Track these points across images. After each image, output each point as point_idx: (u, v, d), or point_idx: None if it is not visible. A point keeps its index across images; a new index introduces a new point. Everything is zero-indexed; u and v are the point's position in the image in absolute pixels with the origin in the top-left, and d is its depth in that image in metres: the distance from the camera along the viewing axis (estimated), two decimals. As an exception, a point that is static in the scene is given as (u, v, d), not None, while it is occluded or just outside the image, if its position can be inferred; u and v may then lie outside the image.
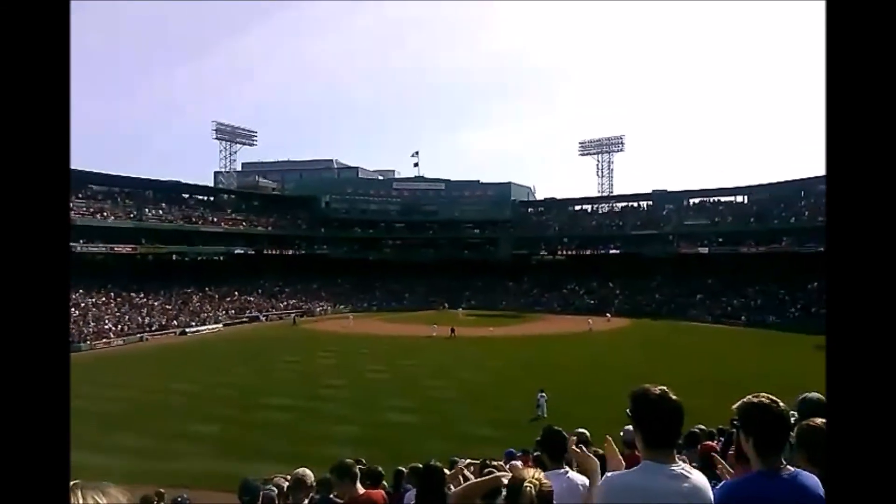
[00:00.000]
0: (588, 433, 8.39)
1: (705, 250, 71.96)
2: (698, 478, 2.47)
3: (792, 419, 2.93)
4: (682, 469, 2.46)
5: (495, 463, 7.93)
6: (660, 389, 2.51)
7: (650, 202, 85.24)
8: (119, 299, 58.03)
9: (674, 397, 2.49)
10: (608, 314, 63.73)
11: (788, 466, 2.50)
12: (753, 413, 2.54)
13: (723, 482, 2.87)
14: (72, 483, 1.32)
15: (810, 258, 61.41)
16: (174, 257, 72.93)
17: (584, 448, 4.05)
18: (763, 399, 2.55)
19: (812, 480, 2.44)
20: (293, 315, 67.45)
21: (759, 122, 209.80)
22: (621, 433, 8.07)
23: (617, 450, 3.72)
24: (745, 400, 2.61)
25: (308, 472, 5.30)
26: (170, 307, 60.86)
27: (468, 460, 8.51)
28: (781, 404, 2.55)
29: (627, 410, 2.57)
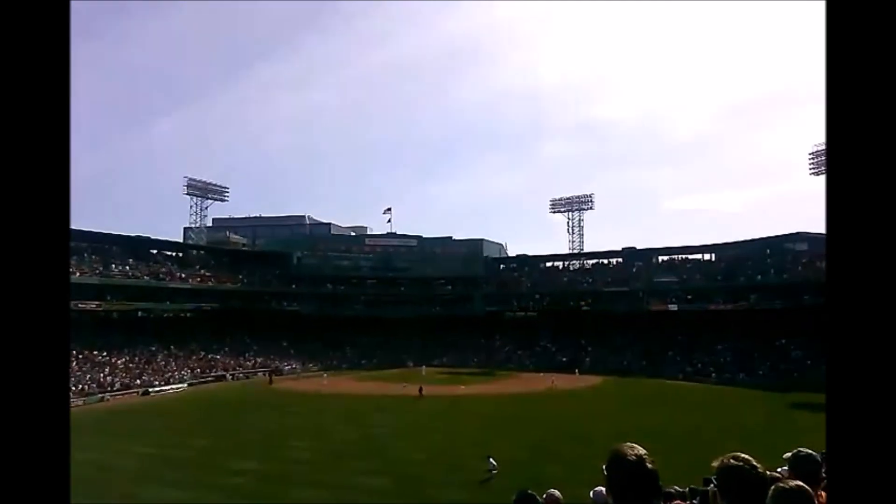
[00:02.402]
0: (559, 494, 8.16)
1: (675, 307, 72.72)
2: None
3: (780, 470, 2.86)
4: None
5: None
6: (636, 455, 2.46)
7: (620, 259, 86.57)
8: (81, 357, 56.28)
9: (649, 465, 2.45)
10: (577, 371, 63.76)
11: None
12: (731, 474, 2.52)
13: None
14: None
15: (777, 315, 62.55)
16: (139, 314, 71.38)
17: None
18: (741, 461, 2.53)
19: None
20: (268, 373, 66.22)
21: (725, 179, 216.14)
22: (591, 494, 7.87)
23: None
24: (723, 460, 2.58)
25: None
26: (133, 365, 59.20)
27: None
28: (759, 467, 2.53)
29: (604, 468, 2.53)
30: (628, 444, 2.52)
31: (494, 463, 23.79)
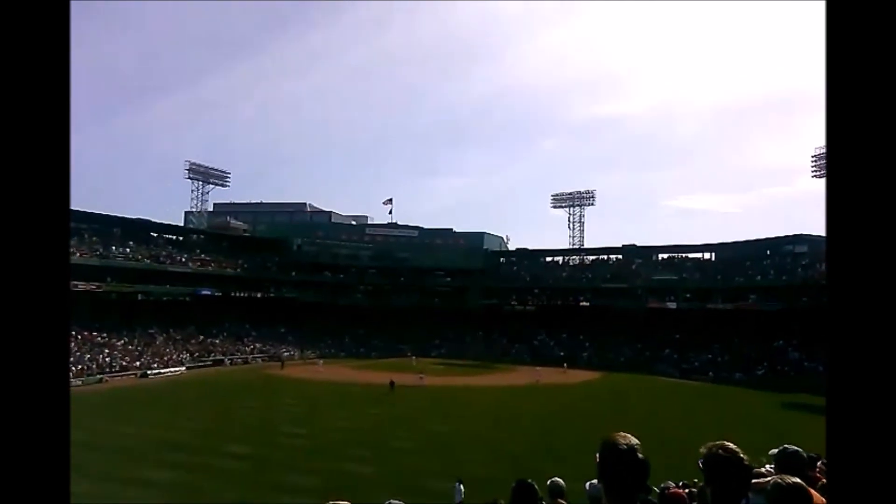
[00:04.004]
0: (563, 483, 8.17)
1: (673, 305, 72.76)
2: None
3: (768, 467, 2.90)
4: None
5: None
6: (627, 444, 2.47)
7: (620, 256, 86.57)
8: (80, 338, 56.46)
9: (640, 456, 2.46)
10: (564, 365, 63.91)
11: None
12: (718, 462, 2.58)
13: None
14: None
15: (775, 316, 62.54)
16: (139, 297, 71.48)
17: None
18: (727, 450, 2.59)
19: None
20: (280, 358, 67.77)
21: (727, 179, 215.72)
22: (586, 486, 7.90)
23: None
24: (709, 449, 2.64)
25: None
26: (132, 348, 59.39)
27: None
28: (743, 455, 2.58)
29: (597, 455, 2.55)
30: (621, 433, 2.53)
31: (462, 490, 19.46)
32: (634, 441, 2.49)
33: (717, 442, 2.65)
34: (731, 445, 2.62)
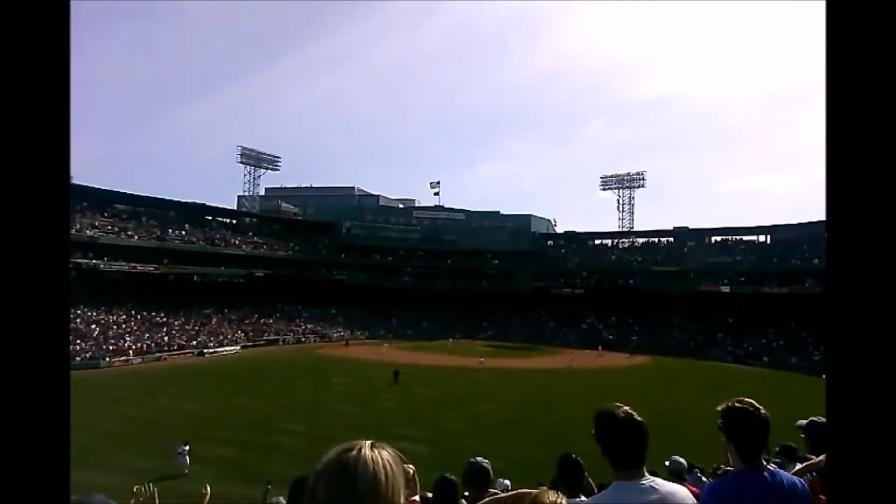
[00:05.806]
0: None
1: (727, 289, 70.95)
2: (669, 487, 2.48)
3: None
4: (652, 482, 2.46)
5: (524, 490, 7.73)
6: (624, 411, 2.51)
7: (671, 238, 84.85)
8: (139, 318, 58.60)
9: (639, 418, 2.51)
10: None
11: (768, 465, 2.65)
12: (736, 417, 2.66)
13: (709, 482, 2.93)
14: (369, 443, 1.36)
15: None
16: (195, 278, 73.64)
17: None
18: (746, 404, 2.67)
19: (790, 478, 2.63)
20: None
21: (781, 160, 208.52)
22: (666, 463, 7.97)
23: None
24: (727, 404, 2.71)
25: None
26: (189, 327, 61.31)
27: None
28: (762, 410, 2.65)
29: (592, 432, 2.57)
30: (613, 403, 2.56)
31: None
32: (627, 408, 2.52)
33: (735, 398, 2.72)
34: (748, 399, 2.69)
